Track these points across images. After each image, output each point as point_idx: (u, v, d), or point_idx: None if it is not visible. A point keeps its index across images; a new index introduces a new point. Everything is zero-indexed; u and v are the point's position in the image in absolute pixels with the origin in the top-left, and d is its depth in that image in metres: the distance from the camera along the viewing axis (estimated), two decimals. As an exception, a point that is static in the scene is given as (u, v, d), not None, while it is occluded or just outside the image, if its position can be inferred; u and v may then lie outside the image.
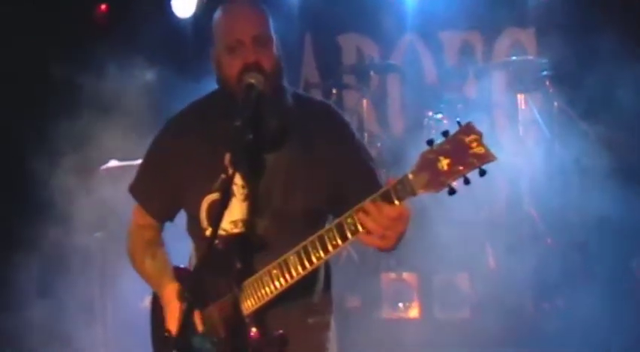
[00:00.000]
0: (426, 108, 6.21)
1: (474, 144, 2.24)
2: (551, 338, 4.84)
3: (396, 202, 2.32)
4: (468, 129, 2.27)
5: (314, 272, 2.70)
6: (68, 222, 5.13)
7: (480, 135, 2.25)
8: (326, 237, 2.44)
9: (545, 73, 6.11)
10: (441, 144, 2.28)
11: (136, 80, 5.46)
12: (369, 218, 2.35)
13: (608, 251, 5.10)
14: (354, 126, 2.89)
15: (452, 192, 2.28)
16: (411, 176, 2.30)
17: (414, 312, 5.34)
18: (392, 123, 7.01)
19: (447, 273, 5.36)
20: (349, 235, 2.40)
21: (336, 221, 2.43)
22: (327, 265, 2.81)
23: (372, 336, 5.03)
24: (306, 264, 2.47)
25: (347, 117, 2.86)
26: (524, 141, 6.10)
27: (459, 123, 2.29)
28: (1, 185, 5.64)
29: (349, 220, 2.39)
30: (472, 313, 5.24)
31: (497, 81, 6.64)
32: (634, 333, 4.65)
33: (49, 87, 5.60)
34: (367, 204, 2.35)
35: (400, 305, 5.34)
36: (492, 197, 5.64)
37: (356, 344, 4.65)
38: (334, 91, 6.66)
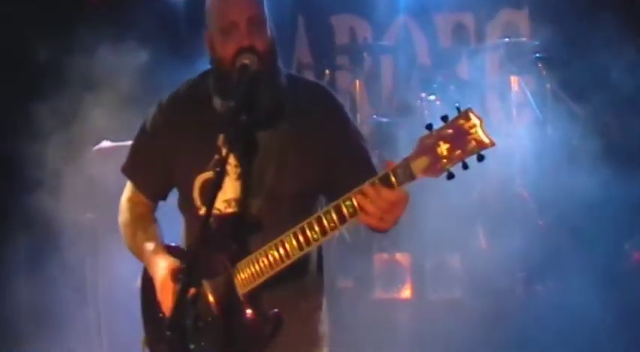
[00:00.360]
0: (419, 90, 6.20)
1: (474, 130, 2.26)
2: (542, 319, 4.87)
3: (395, 186, 2.33)
4: (467, 114, 2.28)
5: (308, 258, 2.73)
6: (59, 203, 5.12)
7: (480, 120, 2.27)
8: (324, 219, 2.44)
9: (538, 55, 6.11)
10: (441, 129, 2.30)
11: (128, 60, 5.43)
12: (368, 200, 2.36)
13: (600, 233, 5.11)
14: (346, 107, 2.89)
15: (450, 176, 2.30)
16: (410, 160, 2.32)
17: (406, 293, 5.37)
18: (385, 105, 7.01)
19: (439, 254, 5.39)
20: (347, 217, 2.41)
21: (335, 203, 2.44)
22: (319, 247, 2.82)
23: (364, 317, 5.06)
24: (304, 245, 2.48)
25: (340, 99, 2.85)
26: (517, 122, 6.11)
27: (458, 109, 2.30)
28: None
29: (347, 203, 2.41)
30: (464, 293, 5.27)
31: (489, 62, 6.63)
32: (626, 316, 4.68)
33: (39, 67, 5.56)
34: (366, 187, 2.37)
35: (393, 285, 5.37)
36: (483, 178, 5.65)
37: (348, 325, 4.68)
38: (327, 72, 6.65)
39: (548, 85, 6.09)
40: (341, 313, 4.73)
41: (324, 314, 2.84)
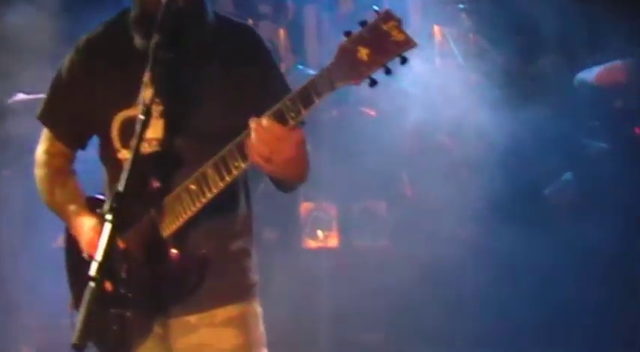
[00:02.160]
0: (342, 38, 6.13)
1: (394, 31, 2.17)
2: (466, 263, 4.96)
3: (315, 99, 2.24)
4: (386, 15, 2.19)
5: (234, 198, 2.67)
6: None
7: (398, 21, 2.19)
8: (244, 143, 2.36)
9: (462, 6, 6.12)
10: (359, 34, 2.20)
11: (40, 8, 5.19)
12: (256, 132, 2.25)
13: (522, 179, 5.21)
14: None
15: (373, 83, 2.22)
16: (329, 69, 2.23)
17: (333, 241, 5.39)
18: (309, 53, 6.93)
19: (365, 202, 5.42)
20: None
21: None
22: (247, 192, 2.77)
23: (292, 266, 5.06)
24: (225, 175, 2.40)
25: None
26: (440, 71, 6.13)
27: (376, 11, 2.21)
28: None
29: None
30: (390, 241, 5.33)
31: (413, 11, 6.60)
32: (548, 260, 4.81)
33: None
34: (252, 119, 2.27)
35: (319, 234, 5.38)
36: (407, 126, 5.67)
37: (275, 275, 4.67)
38: (250, 21, 6.52)
39: (470, 35, 6.11)
40: (268, 264, 4.71)
41: (255, 262, 2.79)
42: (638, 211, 4.59)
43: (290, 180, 2.50)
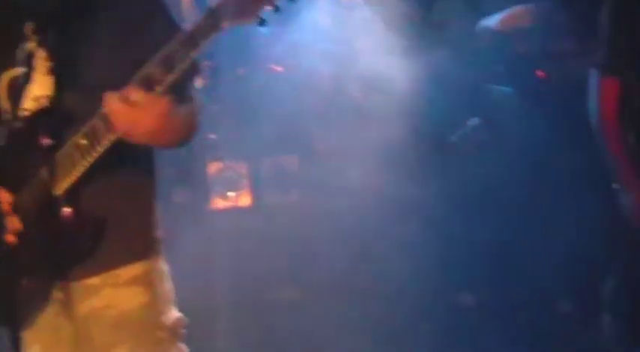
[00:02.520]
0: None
1: None
2: (379, 215, 4.97)
3: (200, 42, 2.19)
4: None
5: (133, 154, 2.58)
6: None
7: None
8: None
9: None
10: None
11: None
12: (109, 107, 2.22)
13: (430, 127, 5.24)
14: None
15: (262, 22, 2.18)
16: (215, 8, 2.18)
17: (245, 200, 5.32)
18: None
19: (276, 159, 5.37)
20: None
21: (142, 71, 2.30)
22: (149, 148, 2.67)
23: (204, 228, 4.98)
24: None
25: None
26: (346, 24, 6.07)
27: None
28: None
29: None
30: (303, 196, 5.30)
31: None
32: (458, 205, 4.86)
33: None
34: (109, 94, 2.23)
35: (230, 194, 5.30)
36: (316, 80, 5.62)
37: (187, 238, 4.59)
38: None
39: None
40: (180, 227, 4.62)
41: (157, 219, 2.71)
42: (541, 151, 4.68)
43: (160, 147, 2.43)
